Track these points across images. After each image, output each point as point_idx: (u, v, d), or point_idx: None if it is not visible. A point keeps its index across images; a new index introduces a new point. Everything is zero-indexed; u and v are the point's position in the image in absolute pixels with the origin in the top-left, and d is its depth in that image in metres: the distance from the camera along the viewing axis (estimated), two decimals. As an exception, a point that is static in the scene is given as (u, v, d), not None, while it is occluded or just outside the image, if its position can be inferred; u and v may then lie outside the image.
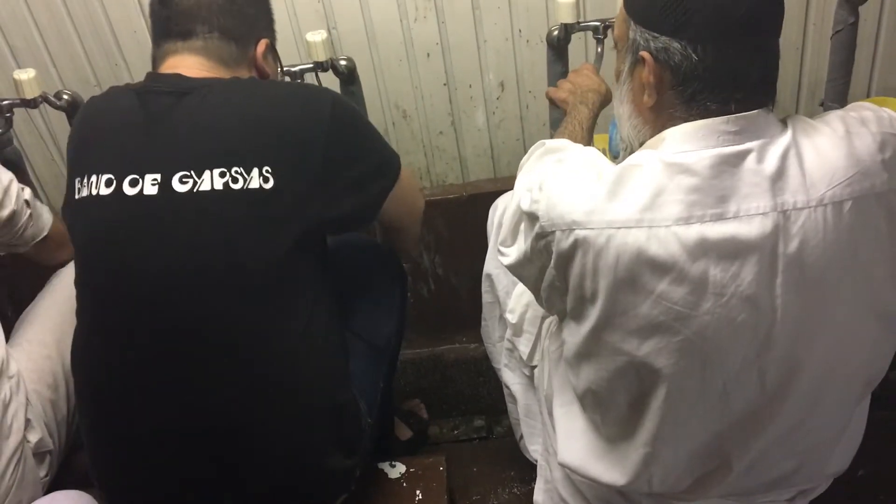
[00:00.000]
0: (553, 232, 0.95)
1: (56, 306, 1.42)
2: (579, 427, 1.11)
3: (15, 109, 1.67)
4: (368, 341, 1.35)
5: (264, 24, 1.27)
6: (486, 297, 1.51)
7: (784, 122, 0.94)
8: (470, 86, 2.04)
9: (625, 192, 0.91)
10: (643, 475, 1.04)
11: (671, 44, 0.91)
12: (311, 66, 1.63)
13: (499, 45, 1.98)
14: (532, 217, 0.98)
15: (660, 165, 0.90)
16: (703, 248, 0.88)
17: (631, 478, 1.05)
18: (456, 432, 1.79)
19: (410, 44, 1.97)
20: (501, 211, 1.41)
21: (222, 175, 1.06)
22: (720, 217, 0.88)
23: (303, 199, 1.09)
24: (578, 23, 1.59)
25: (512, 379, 1.42)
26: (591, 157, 0.99)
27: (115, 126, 1.15)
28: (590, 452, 1.09)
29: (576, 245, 0.93)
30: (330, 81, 1.67)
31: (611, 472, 1.07)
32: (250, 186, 1.06)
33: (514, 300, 1.37)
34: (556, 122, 1.51)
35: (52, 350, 1.38)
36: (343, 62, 1.64)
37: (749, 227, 0.88)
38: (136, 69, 1.99)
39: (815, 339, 0.93)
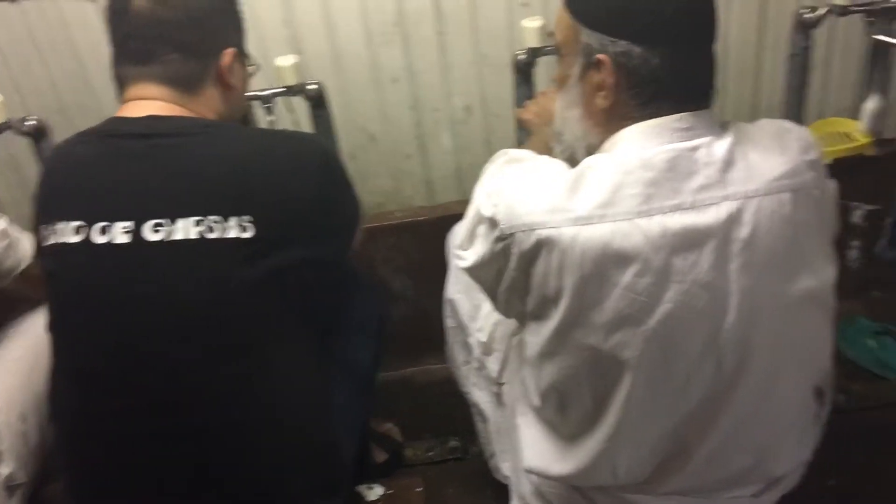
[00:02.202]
0: (513, 234, 0.97)
1: (24, 337, 1.40)
2: (540, 431, 1.14)
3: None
4: (352, 373, 1.33)
5: (231, 32, 1.20)
6: (448, 322, 1.52)
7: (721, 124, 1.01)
8: (436, 109, 2.06)
9: (584, 190, 0.95)
10: (607, 466, 1.06)
11: (631, 48, 0.96)
12: (281, 90, 1.64)
13: (464, 69, 2.01)
14: (491, 222, 1.00)
15: (617, 163, 0.95)
16: (665, 239, 0.93)
17: (595, 469, 1.07)
18: (431, 454, 1.78)
19: (377, 68, 1.99)
20: None
21: (197, 223, 1.02)
22: (678, 208, 0.93)
23: (282, 248, 1.06)
24: (545, 47, 1.62)
25: (482, 398, 1.43)
26: (551, 165, 1.03)
27: (84, 172, 1.10)
28: (551, 452, 1.12)
29: (539, 245, 0.95)
30: (299, 105, 1.68)
31: (571, 465, 1.08)
32: (227, 236, 1.02)
33: (482, 319, 1.39)
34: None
35: (22, 379, 1.35)
36: (312, 87, 1.65)
37: (706, 217, 0.93)
38: (102, 92, 1.96)
39: (764, 323, 0.98)
